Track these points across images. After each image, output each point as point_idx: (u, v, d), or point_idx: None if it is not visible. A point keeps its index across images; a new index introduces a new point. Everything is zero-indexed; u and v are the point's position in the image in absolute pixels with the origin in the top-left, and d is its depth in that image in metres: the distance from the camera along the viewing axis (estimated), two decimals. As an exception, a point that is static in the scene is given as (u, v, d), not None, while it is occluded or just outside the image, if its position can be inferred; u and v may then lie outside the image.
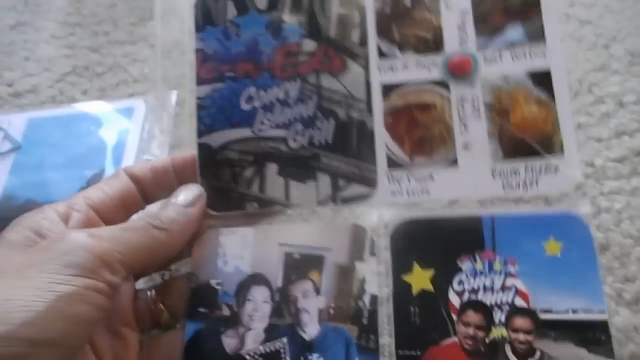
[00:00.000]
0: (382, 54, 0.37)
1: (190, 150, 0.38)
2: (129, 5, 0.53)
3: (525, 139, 0.35)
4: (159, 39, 0.39)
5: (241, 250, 0.35)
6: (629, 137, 0.41)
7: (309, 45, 0.37)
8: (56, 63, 0.53)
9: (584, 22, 0.46)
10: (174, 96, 0.46)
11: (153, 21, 0.36)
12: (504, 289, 0.33)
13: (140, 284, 0.36)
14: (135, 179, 0.37)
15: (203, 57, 0.38)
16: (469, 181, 0.35)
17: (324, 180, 0.36)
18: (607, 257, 0.37)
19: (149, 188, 0.37)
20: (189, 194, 0.35)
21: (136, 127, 0.47)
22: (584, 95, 0.43)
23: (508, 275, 0.33)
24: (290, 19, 0.38)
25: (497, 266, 0.33)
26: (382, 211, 0.35)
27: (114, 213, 0.35)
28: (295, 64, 0.37)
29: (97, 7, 0.55)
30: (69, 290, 0.27)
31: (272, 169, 0.36)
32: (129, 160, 0.46)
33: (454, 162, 0.35)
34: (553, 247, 0.33)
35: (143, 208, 0.38)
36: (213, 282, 0.35)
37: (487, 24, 0.37)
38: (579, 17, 0.46)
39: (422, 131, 0.36)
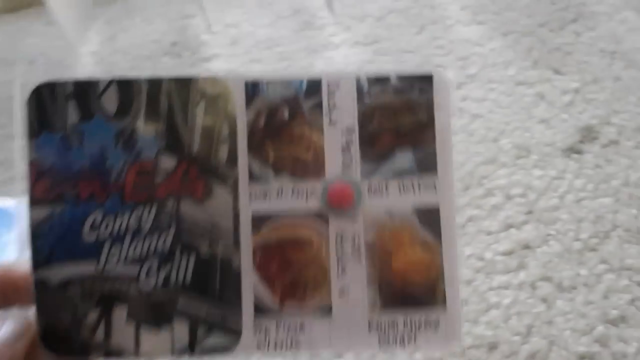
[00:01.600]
0: (253, 177, 0.32)
1: (22, 263, 0.32)
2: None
3: (407, 287, 0.32)
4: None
5: (82, 407, 0.31)
6: (516, 230, 0.40)
7: (167, 162, 0.32)
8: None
9: (475, 115, 0.44)
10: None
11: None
12: None
13: None
14: None
15: (38, 171, 0.31)
16: (343, 333, 0.31)
17: (181, 327, 0.31)
18: (496, 356, 0.35)
19: None
20: (13, 325, 0.30)
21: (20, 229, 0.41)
22: (474, 188, 0.42)
23: None
24: (144, 128, 0.32)
25: None
26: (245, 366, 0.31)
27: None
28: (149, 186, 0.32)
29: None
30: None
31: (120, 312, 0.31)
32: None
33: (328, 311, 0.32)
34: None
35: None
36: None
37: (374, 146, 0.32)
38: (470, 110, 0.44)
39: (294, 272, 0.32)
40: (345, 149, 0.32)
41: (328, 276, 0.32)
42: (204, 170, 0.32)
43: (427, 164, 0.32)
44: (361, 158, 0.32)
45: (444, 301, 0.31)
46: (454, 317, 0.31)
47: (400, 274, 0.32)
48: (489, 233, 0.41)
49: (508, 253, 0.40)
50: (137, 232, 0.31)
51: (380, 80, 0.32)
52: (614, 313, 0.35)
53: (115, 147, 0.32)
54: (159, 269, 0.31)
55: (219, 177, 0.32)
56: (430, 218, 0.32)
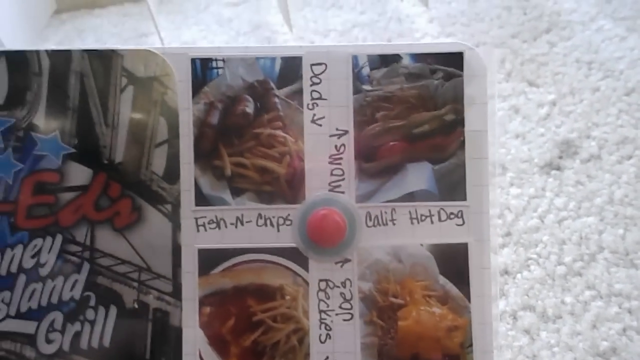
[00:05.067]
0: (201, 197, 0.22)
1: None
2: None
3: (419, 360, 0.22)
4: None
5: None
6: (492, 254, 0.32)
7: (78, 173, 0.22)
8: None
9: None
10: None
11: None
12: None
13: None
14: None
15: None
16: (325, 423, 0.22)
17: (95, 411, 0.22)
18: None
19: None
20: None
21: None
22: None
23: None
24: (46, 125, 0.22)
25: None
26: None
27: None
28: (52, 207, 0.22)
29: None
30: None
31: (8, 387, 0.22)
32: None
33: (305, 390, 0.22)
34: None
35: None
36: None
37: (376, 156, 0.22)
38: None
39: (258, 335, 0.22)
40: (335, 158, 0.22)
41: (306, 341, 0.22)
42: (130, 187, 0.22)
43: (452, 184, 0.22)
44: (357, 172, 0.22)
45: (471, 382, 0.22)
46: (486, 407, 0.22)
47: (410, 341, 0.22)
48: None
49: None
50: (33, 272, 0.22)
51: (386, 60, 0.22)
52: (605, 345, 0.31)
53: (3, 151, 0.22)
54: (64, 326, 0.22)
55: (152, 196, 0.22)
56: (454, 262, 0.22)
